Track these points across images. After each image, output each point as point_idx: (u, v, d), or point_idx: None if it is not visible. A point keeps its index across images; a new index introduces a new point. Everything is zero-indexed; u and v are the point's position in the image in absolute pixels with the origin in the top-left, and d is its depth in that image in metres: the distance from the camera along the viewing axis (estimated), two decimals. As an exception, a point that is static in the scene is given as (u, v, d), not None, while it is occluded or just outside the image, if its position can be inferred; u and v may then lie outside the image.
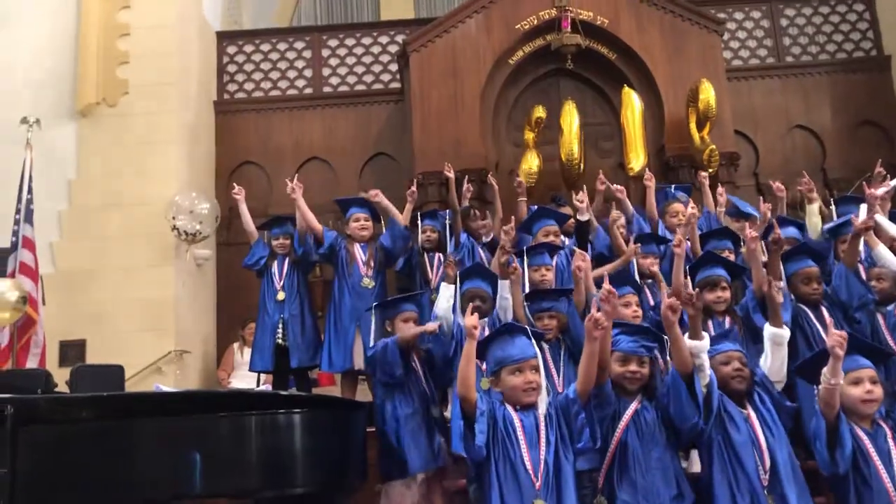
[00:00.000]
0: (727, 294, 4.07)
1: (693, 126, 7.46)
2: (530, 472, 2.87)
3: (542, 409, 3.00)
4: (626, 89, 7.49)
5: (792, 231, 4.96)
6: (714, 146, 7.34)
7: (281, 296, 5.47)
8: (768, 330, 3.47)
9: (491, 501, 2.88)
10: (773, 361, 3.38)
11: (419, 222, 5.58)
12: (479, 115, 7.81)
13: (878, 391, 2.90)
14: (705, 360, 3.00)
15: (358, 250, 5.38)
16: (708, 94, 7.29)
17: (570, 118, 7.23)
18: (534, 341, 3.05)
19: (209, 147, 8.62)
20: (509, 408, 2.99)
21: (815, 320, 4.18)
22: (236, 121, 8.83)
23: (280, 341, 5.42)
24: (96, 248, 7.37)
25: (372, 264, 5.31)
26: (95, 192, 7.50)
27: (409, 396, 4.02)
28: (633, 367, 3.07)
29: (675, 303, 2.96)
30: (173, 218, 7.28)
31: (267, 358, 5.43)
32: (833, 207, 5.39)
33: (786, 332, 3.47)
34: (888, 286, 4.18)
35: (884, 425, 2.91)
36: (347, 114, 8.77)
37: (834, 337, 2.79)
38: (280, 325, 5.45)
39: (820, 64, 8.84)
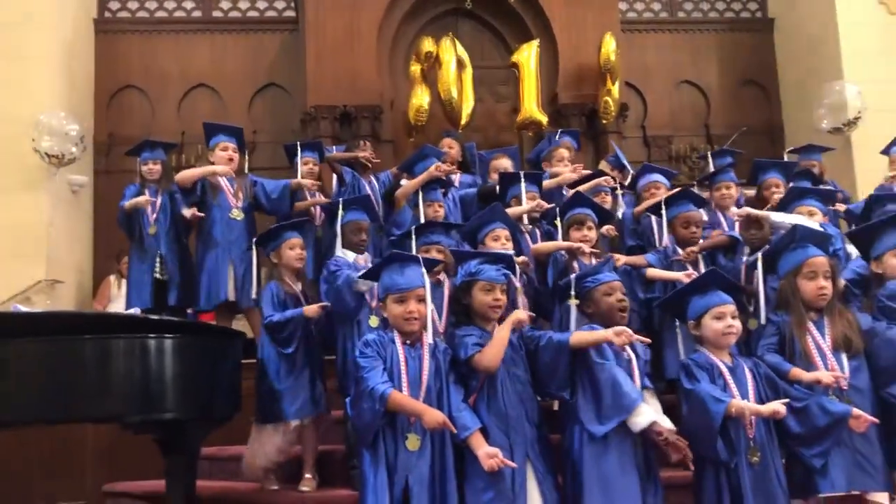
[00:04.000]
0: (593, 234, 4.16)
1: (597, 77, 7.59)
2: None
3: (427, 338, 2.99)
4: (532, 42, 7.48)
5: (656, 177, 5.11)
6: (608, 98, 7.49)
7: (153, 230, 5.18)
8: None
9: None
10: None
11: (299, 153, 5.36)
12: (376, 49, 7.67)
13: (738, 325, 3.04)
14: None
15: (224, 182, 5.11)
16: (608, 48, 7.41)
17: (450, 54, 7.09)
18: (424, 272, 3.02)
19: (88, 68, 8.11)
20: (397, 343, 2.97)
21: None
22: (118, 42, 8.34)
23: (158, 275, 5.19)
24: (-42, 168, 6.87)
25: (241, 196, 5.10)
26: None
27: (295, 341, 3.97)
28: (497, 294, 3.07)
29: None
30: (33, 140, 6.82)
31: (145, 294, 5.18)
32: (710, 159, 5.58)
33: None
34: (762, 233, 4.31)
35: (742, 361, 3.07)
36: (238, 41, 8.42)
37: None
38: (158, 260, 5.21)
39: (709, 21, 9.10)
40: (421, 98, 7.15)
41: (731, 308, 3.04)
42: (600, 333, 2.95)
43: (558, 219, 4.32)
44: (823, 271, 3.15)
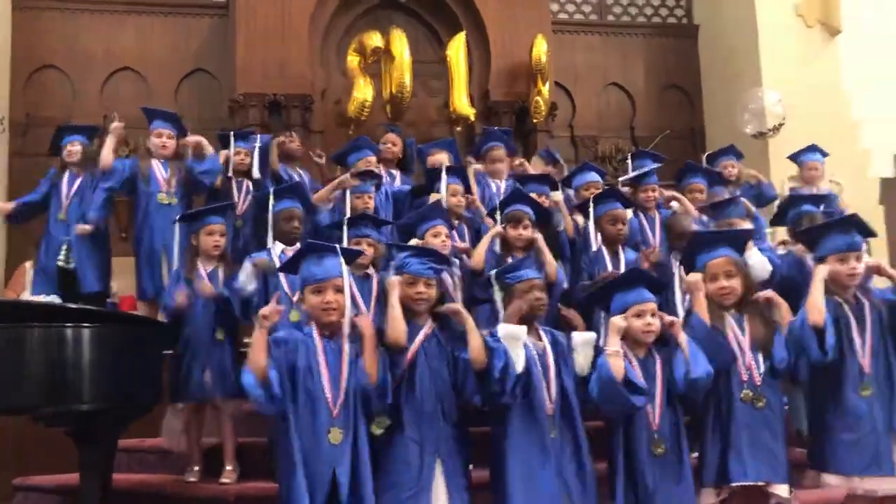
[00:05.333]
0: (529, 232, 4.19)
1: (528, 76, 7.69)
2: (328, 400, 2.86)
3: (346, 330, 2.98)
4: (460, 35, 7.53)
5: (593, 176, 5.22)
6: (539, 98, 7.60)
7: (62, 215, 5.01)
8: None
9: (289, 431, 2.85)
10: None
11: (231, 142, 5.29)
12: (308, 38, 7.59)
13: (657, 324, 3.13)
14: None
15: (158, 166, 5.03)
16: (539, 49, 7.52)
17: (401, 46, 7.10)
18: (343, 261, 3.01)
19: (3, 46, 7.76)
20: (315, 335, 2.96)
21: (609, 262, 4.47)
22: (38, 19, 8.00)
23: (61, 264, 5.02)
24: None
25: (174, 183, 5.00)
26: None
27: (193, 323, 3.95)
28: (420, 287, 3.09)
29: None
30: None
31: (50, 282, 5.01)
32: (630, 161, 5.72)
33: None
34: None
35: (656, 354, 3.17)
36: (165, 24, 8.19)
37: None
38: (64, 247, 5.04)
39: (637, 26, 9.32)
40: (364, 91, 7.06)
41: (651, 306, 3.13)
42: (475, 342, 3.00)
43: (498, 214, 4.35)
44: (724, 271, 3.24)
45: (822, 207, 4.58)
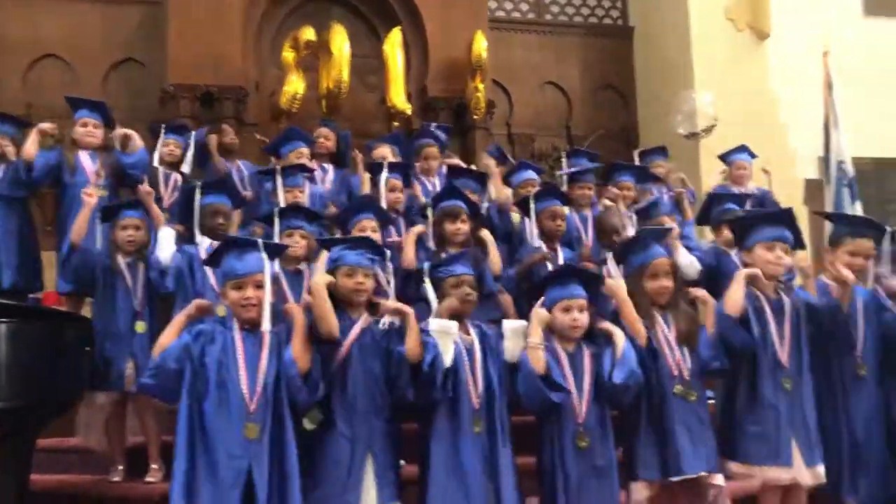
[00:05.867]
0: (466, 227, 4.22)
1: (467, 73, 7.68)
2: (245, 394, 2.80)
3: (265, 326, 2.93)
4: (396, 30, 7.50)
5: (531, 174, 5.27)
6: (480, 94, 7.62)
7: None
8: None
9: (205, 423, 2.79)
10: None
11: (162, 134, 5.16)
12: (243, 30, 7.47)
13: (584, 319, 3.18)
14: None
15: (85, 158, 4.88)
16: (479, 45, 7.53)
17: (340, 41, 7.04)
18: (265, 256, 2.96)
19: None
20: (235, 329, 2.91)
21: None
22: (-46, 2, 7.68)
23: None
24: None
25: (102, 174, 4.84)
26: None
27: (110, 312, 3.86)
28: (359, 278, 3.07)
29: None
30: None
31: None
32: (564, 160, 5.78)
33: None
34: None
35: (585, 348, 3.20)
36: (94, 10, 7.90)
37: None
38: None
39: (574, 25, 9.42)
40: (296, 85, 6.97)
41: (579, 302, 3.16)
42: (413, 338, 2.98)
43: (430, 210, 4.34)
44: (664, 271, 3.32)
45: (746, 206, 4.72)
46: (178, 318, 2.95)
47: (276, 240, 3.69)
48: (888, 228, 3.81)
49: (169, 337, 2.89)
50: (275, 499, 2.77)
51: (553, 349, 3.15)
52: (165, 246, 3.90)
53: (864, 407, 3.56)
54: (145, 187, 4.39)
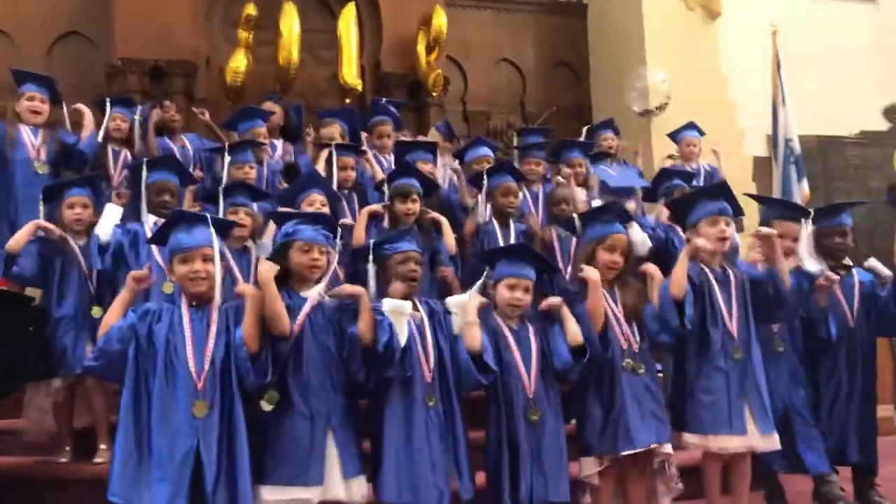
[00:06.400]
0: (417, 206, 4.22)
1: (422, 49, 7.62)
2: (193, 372, 2.77)
3: (216, 300, 2.90)
4: (350, 6, 7.42)
5: (486, 150, 5.29)
6: (440, 71, 7.59)
7: None
8: None
9: (151, 406, 2.76)
10: None
11: (108, 109, 5.04)
12: (193, 3, 7.32)
13: (527, 300, 3.22)
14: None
15: (27, 133, 4.76)
16: (440, 20, 7.49)
17: (290, 21, 6.99)
18: (214, 232, 2.92)
19: None
20: (183, 305, 2.87)
21: (499, 234, 4.53)
22: None
23: None
24: None
25: (44, 151, 4.72)
26: None
27: (66, 297, 3.79)
28: (315, 254, 3.04)
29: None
30: None
31: None
32: (516, 137, 5.82)
33: None
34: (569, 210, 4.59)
35: (529, 324, 3.24)
36: (37, -18, 7.68)
37: None
38: None
39: (529, 3, 9.37)
40: (239, 61, 6.91)
41: (525, 282, 3.20)
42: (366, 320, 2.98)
43: (386, 188, 4.33)
44: (621, 247, 3.37)
45: (693, 182, 4.81)
46: (121, 297, 2.90)
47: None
48: (811, 212, 3.90)
49: (113, 316, 2.84)
50: (223, 478, 2.74)
51: (497, 325, 3.18)
52: (106, 222, 3.81)
53: (783, 382, 3.70)
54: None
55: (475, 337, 3.05)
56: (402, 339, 2.97)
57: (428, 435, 3.00)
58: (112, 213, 3.87)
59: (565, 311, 3.22)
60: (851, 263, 3.94)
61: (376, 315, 2.99)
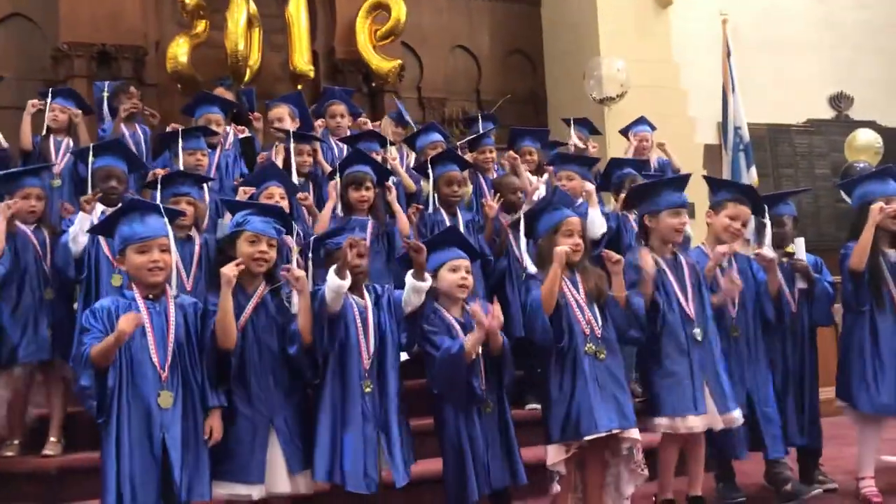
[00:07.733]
0: (371, 194, 4.22)
1: (368, 34, 7.57)
2: (156, 363, 2.76)
3: (172, 291, 2.88)
4: None
5: (436, 136, 5.29)
6: (401, 61, 7.57)
7: None
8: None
9: (112, 400, 2.72)
10: None
11: (48, 100, 4.97)
12: (141, -14, 7.14)
13: (471, 280, 3.25)
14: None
15: None
16: (399, 12, 7.43)
17: (238, 14, 6.84)
18: (167, 221, 2.88)
19: None
20: (138, 298, 2.82)
21: (447, 223, 4.53)
22: None
23: None
24: None
25: None
26: None
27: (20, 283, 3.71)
28: (262, 247, 3.01)
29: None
30: None
31: None
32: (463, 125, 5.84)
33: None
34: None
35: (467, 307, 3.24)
36: (-26, -39, 7.43)
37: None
38: None
39: (484, -11, 9.38)
40: (178, 48, 6.80)
41: (465, 263, 3.23)
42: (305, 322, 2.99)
43: (338, 177, 4.30)
44: (578, 230, 3.39)
45: (643, 172, 4.88)
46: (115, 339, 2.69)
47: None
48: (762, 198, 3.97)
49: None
50: (188, 465, 2.76)
51: (447, 323, 3.19)
52: (81, 239, 3.69)
53: (742, 366, 3.76)
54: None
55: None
56: (335, 306, 2.98)
57: (363, 421, 3.01)
58: (83, 224, 3.75)
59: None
60: (793, 251, 4.01)
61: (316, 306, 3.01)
